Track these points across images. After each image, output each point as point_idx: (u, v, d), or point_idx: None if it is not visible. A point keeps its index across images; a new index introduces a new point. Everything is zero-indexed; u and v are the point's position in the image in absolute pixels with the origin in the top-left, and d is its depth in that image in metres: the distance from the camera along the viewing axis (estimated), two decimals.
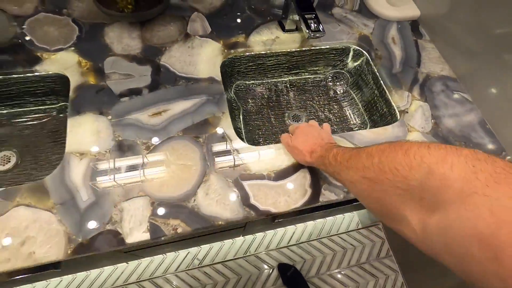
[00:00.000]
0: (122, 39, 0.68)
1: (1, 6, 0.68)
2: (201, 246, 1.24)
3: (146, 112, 0.60)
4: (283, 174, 0.56)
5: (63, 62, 0.63)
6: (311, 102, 0.83)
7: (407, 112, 0.68)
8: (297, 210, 0.55)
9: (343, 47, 0.79)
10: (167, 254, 1.21)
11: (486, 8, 0.66)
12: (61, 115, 0.72)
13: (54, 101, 0.71)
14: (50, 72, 0.63)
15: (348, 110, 0.82)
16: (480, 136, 0.66)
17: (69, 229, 0.48)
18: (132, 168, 0.54)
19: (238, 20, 0.75)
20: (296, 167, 0.57)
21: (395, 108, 0.70)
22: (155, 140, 0.57)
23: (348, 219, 1.39)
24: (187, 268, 1.20)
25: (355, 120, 0.81)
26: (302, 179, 0.56)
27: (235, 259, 1.24)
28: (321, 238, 1.33)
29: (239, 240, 1.28)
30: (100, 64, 0.64)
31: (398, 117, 0.68)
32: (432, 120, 0.67)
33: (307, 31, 0.61)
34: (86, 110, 0.58)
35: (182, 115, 0.60)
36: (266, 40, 0.73)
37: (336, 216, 1.39)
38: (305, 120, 0.81)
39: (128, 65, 0.65)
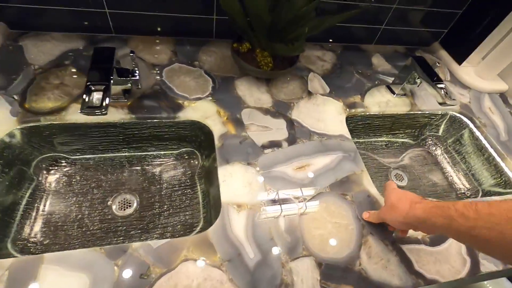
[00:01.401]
0: (253, 93, 0.71)
1: (141, 56, 0.72)
2: None
3: (290, 165, 0.60)
4: (436, 240, 0.55)
5: (203, 111, 0.65)
6: (408, 162, 0.85)
7: None
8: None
9: (445, 113, 0.83)
10: None
11: None
12: (180, 161, 0.71)
13: (174, 146, 0.71)
14: (191, 119, 0.64)
15: (451, 175, 0.83)
16: None
17: None
18: (289, 224, 0.52)
19: (350, 83, 0.80)
20: None
21: (511, 174, 0.71)
22: (306, 194, 0.56)
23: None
24: None
25: (463, 186, 0.81)
26: (456, 246, 0.54)
27: None
28: None
29: None
30: (238, 115, 0.66)
31: None
32: None
33: (443, 99, 0.65)
34: (234, 160, 0.58)
35: (325, 171, 0.60)
36: (380, 102, 0.77)
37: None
38: (408, 179, 0.81)
39: (263, 118, 0.66)
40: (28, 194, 0.59)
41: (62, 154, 0.65)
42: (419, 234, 0.55)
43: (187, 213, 0.64)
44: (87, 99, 0.47)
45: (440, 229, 0.38)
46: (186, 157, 0.71)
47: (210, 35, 0.80)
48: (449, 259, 0.53)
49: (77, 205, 0.62)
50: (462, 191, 0.80)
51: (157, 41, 0.77)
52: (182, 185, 0.68)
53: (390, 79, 0.83)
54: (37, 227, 0.57)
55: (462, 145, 0.83)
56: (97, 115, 0.47)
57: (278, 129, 0.65)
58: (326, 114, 0.71)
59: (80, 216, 0.61)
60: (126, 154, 0.69)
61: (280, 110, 0.69)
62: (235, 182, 0.55)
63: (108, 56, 0.54)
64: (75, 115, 0.59)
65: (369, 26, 0.88)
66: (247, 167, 0.57)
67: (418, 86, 0.78)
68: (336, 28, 0.85)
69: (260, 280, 0.45)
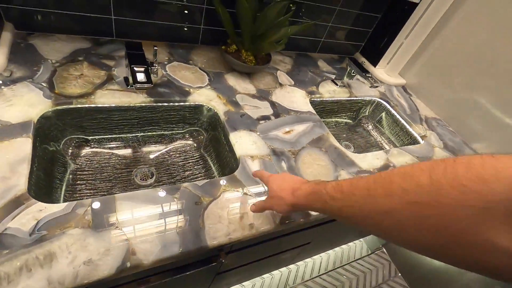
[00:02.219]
0: (240, 84, 0.90)
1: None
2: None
3: (280, 130, 0.80)
4: (381, 168, 0.81)
5: (206, 96, 0.81)
6: (351, 136, 1.14)
7: (427, 136, 1.03)
8: None
9: (371, 99, 1.16)
10: None
11: (448, 76, 1.13)
12: (186, 138, 0.85)
13: (180, 128, 0.84)
14: (197, 103, 0.79)
15: (380, 142, 1.15)
16: (469, 148, 1.04)
17: None
18: (289, 166, 0.71)
19: (307, 78, 1.07)
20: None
21: (416, 135, 1.05)
22: (295, 148, 0.76)
23: (358, 247, 1.60)
24: None
25: (388, 147, 1.13)
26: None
27: None
28: (339, 267, 1.49)
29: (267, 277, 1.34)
30: (234, 99, 0.84)
31: (420, 140, 1.03)
32: (441, 141, 1.03)
33: (372, 84, 0.96)
34: (240, 128, 0.76)
35: (304, 133, 0.82)
36: (329, 90, 1.05)
37: (342, 247, 1.58)
38: (353, 147, 1.09)
39: (253, 100, 0.86)
40: (60, 170, 0.65)
41: (84, 136, 0.72)
42: (369, 168, 0.80)
43: (202, 176, 0.78)
44: (137, 78, 0.60)
45: (320, 211, 0.42)
46: (193, 134, 0.85)
47: (196, 41, 0.98)
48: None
49: (102, 180, 0.70)
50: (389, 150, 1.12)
51: (153, 44, 0.91)
52: (192, 156, 0.81)
53: (332, 76, 1.13)
54: (76, 194, 0.64)
55: (384, 121, 1.17)
56: (146, 88, 0.60)
57: (265, 108, 0.85)
58: (295, 98, 0.94)
59: (109, 187, 0.69)
60: (139, 135, 0.79)
61: (263, 95, 0.90)
62: (244, 142, 0.73)
63: (138, 47, 0.68)
64: (101, 99, 0.69)
65: (313, 38, 1.18)
66: (250, 133, 0.76)
67: (352, 80, 1.09)
68: (291, 39, 1.12)
69: None
